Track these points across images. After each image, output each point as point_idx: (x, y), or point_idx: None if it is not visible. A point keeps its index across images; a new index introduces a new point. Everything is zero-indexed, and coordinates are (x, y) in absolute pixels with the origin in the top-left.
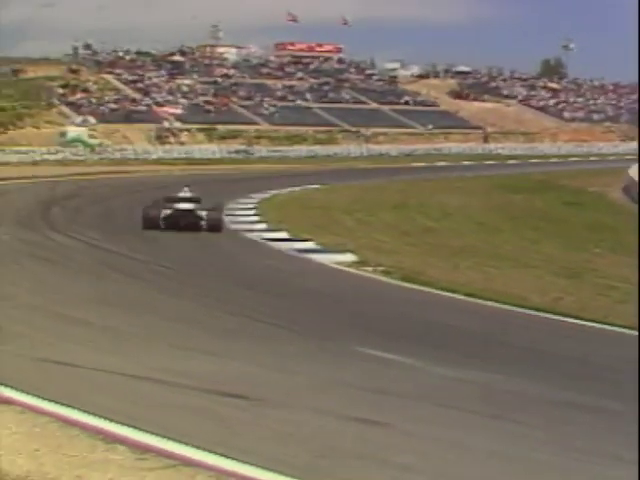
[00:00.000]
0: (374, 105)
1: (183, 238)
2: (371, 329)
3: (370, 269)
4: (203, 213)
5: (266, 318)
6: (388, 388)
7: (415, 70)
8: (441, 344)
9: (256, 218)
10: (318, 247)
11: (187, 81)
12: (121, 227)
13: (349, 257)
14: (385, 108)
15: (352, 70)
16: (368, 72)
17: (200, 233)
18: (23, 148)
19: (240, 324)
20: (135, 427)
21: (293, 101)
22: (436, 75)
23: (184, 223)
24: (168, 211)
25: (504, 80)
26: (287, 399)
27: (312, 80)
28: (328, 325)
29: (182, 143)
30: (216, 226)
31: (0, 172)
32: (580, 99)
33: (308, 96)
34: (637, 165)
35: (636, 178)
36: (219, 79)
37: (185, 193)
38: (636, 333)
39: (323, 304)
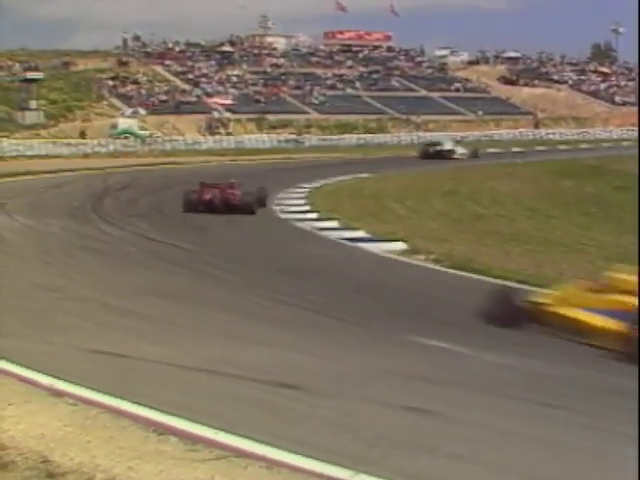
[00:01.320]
0: (424, 92)
1: (233, 228)
2: (421, 317)
3: (421, 257)
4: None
5: (317, 307)
6: (438, 376)
7: (465, 56)
8: (491, 331)
9: (306, 207)
10: (369, 236)
11: (237, 71)
12: (173, 218)
13: (400, 245)
14: (435, 95)
15: (401, 58)
16: (418, 59)
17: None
18: (74, 141)
19: (291, 314)
20: (187, 418)
21: (343, 90)
22: (486, 61)
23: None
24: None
25: (554, 65)
26: (338, 389)
27: (361, 68)
28: (379, 314)
29: (229, 133)
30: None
31: (51, 164)
32: (631, 83)
33: (358, 84)
34: None
35: None
36: (269, 69)
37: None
38: None
39: (374, 293)
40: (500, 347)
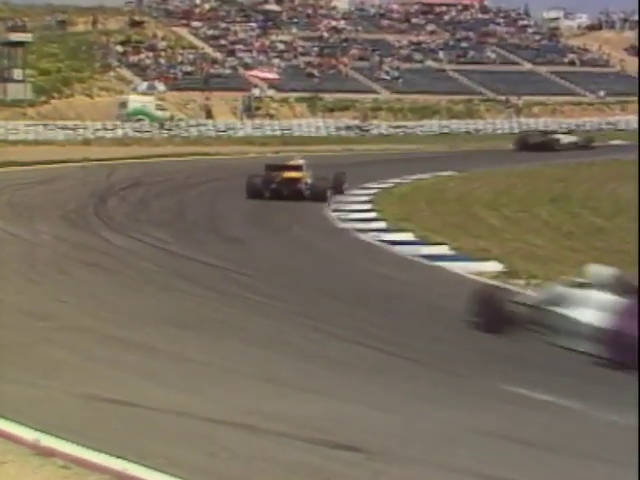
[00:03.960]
0: (528, 66)
1: (277, 240)
2: (520, 361)
3: (521, 282)
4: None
5: (383, 345)
6: (540, 438)
7: (583, 20)
8: (611, 382)
9: (372, 215)
10: (453, 253)
11: (284, 37)
12: (197, 226)
13: (494, 266)
14: (542, 70)
15: (500, 21)
16: (521, 23)
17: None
18: (71, 122)
19: (349, 352)
20: None
21: (421, 62)
22: (610, 26)
23: None
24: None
25: None
26: (411, 452)
27: (447, 35)
28: (464, 355)
29: (271, 116)
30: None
31: (42, 153)
32: None
33: (441, 55)
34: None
35: None
36: (325, 34)
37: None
38: None
39: (459, 328)
40: (622, 402)
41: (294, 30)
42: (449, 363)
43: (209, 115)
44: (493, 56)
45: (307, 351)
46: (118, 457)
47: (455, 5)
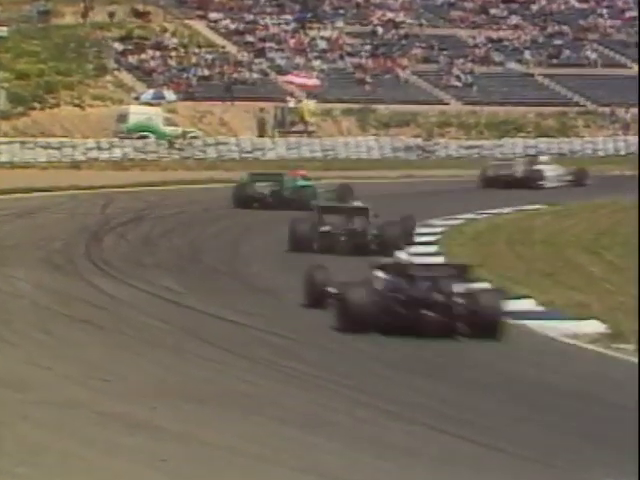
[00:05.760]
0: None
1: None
2: (621, 447)
3: (630, 347)
4: None
5: (454, 427)
6: None
7: None
8: None
9: (439, 259)
10: (541, 309)
11: (327, 32)
12: (216, 272)
13: (594, 326)
14: None
15: (602, 12)
16: (629, 15)
17: None
18: (55, 140)
19: (410, 436)
20: None
21: (502, 64)
22: None
23: None
24: None
25: None
26: None
27: (534, 30)
28: (554, 440)
29: (309, 133)
30: None
31: (20, 179)
32: None
33: (527, 56)
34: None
35: None
36: (379, 29)
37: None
38: None
39: (552, 407)
40: None
41: (340, 24)
42: (536, 450)
43: (262, 131)
44: (594, 56)
45: (357, 434)
46: None
47: None
